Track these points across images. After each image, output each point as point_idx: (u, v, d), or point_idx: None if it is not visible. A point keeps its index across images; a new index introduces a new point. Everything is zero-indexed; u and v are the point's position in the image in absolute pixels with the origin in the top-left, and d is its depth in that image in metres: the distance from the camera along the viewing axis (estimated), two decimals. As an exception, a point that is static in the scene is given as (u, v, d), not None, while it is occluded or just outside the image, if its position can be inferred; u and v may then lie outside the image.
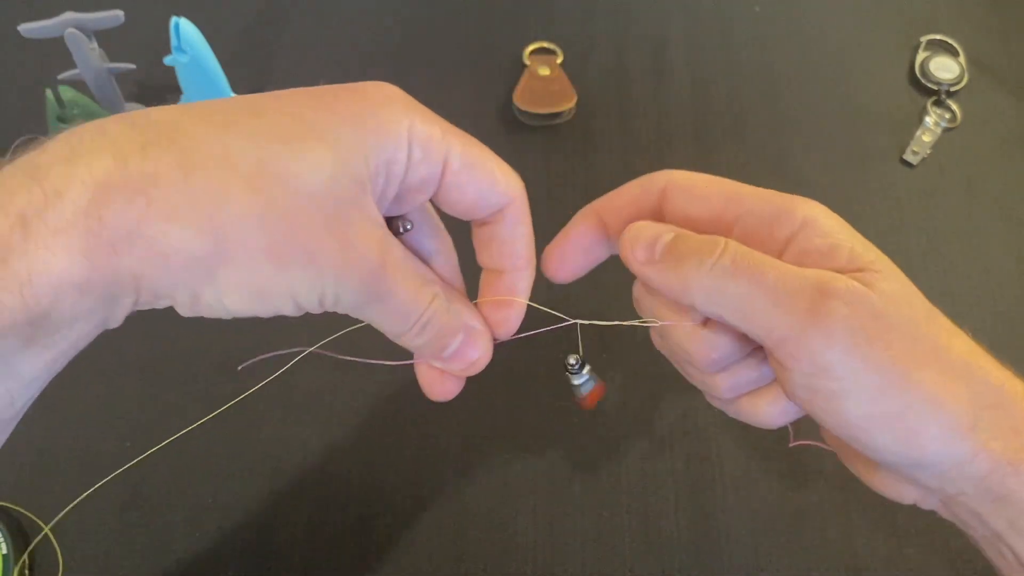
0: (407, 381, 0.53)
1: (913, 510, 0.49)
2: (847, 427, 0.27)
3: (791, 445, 0.32)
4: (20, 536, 0.47)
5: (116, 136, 0.20)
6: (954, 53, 0.68)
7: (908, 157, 0.63)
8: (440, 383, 0.31)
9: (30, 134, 0.64)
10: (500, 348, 0.53)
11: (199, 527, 0.48)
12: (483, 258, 0.30)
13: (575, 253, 0.32)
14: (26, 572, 0.46)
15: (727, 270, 0.26)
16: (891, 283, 0.27)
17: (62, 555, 0.47)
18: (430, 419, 0.52)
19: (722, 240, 0.27)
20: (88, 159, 0.20)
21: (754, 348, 0.29)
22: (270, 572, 0.47)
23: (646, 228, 0.28)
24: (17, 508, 0.48)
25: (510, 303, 0.29)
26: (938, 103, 0.65)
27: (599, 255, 0.32)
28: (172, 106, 0.23)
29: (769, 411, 0.30)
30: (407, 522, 0.48)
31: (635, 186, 0.31)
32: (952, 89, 0.66)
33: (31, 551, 0.47)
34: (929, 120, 0.64)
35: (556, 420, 0.52)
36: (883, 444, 0.26)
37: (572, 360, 0.34)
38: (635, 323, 0.31)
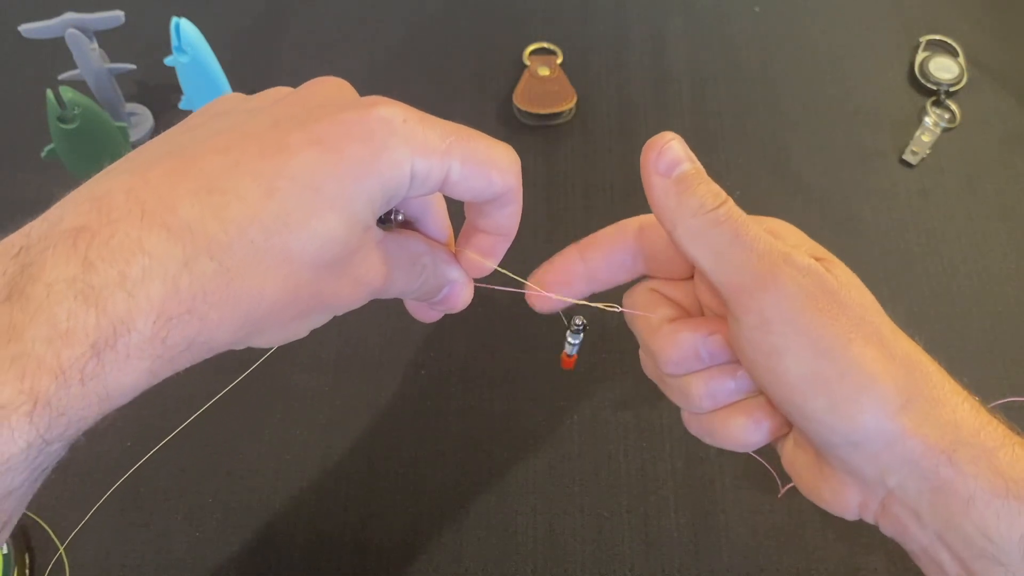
0: (407, 381, 0.53)
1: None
2: (786, 388, 0.28)
3: (780, 496, 0.33)
4: (21, 535, 0.47)
5: (159, 255, 0.21)
6: (953, 53, 0.68)
7: (907, 157, 0.63)
8: (425, 312, 0.34)
9: (31, 135, 0.64)
10: (500, 351, 0.54)
11: (199, 527, 0.48)
12: (471, 218, 0.31)
13: (557, 284, 0.34)
14: (27, 572, 0.46)
15: (717, 219, 0.29)
16: (847, 275, 0.29)
17: (64, 555, 0.47)
18: (430, 419, 0.52)
19: (724, 195, 0.29)
20: (144, 287, 0.21)
21: (717, 361, 0.32)
22: (270, 572, 0.47)
23: (674, 147, 0.29)
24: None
25: (487, 253, 0.31)
26: (937, 103, 0.65)
27: (578, 289, 0.34)
28: (185, 186, 0.23)
29: (742, 424, 0.32)
30: (407, 522, 0.49)
31: (612, 227, 0.34)
32: (951, 89, 0.66)
33: (32, 550, 0.47)
34: (928, 120, 0.64)
35: (556, 420, 0.52)
36: (817, 409, 0.28)
37: (578, 321, 0.37)
38: (601, 306, 0.34)
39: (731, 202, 0.29)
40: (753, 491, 0.49)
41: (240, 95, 0.28)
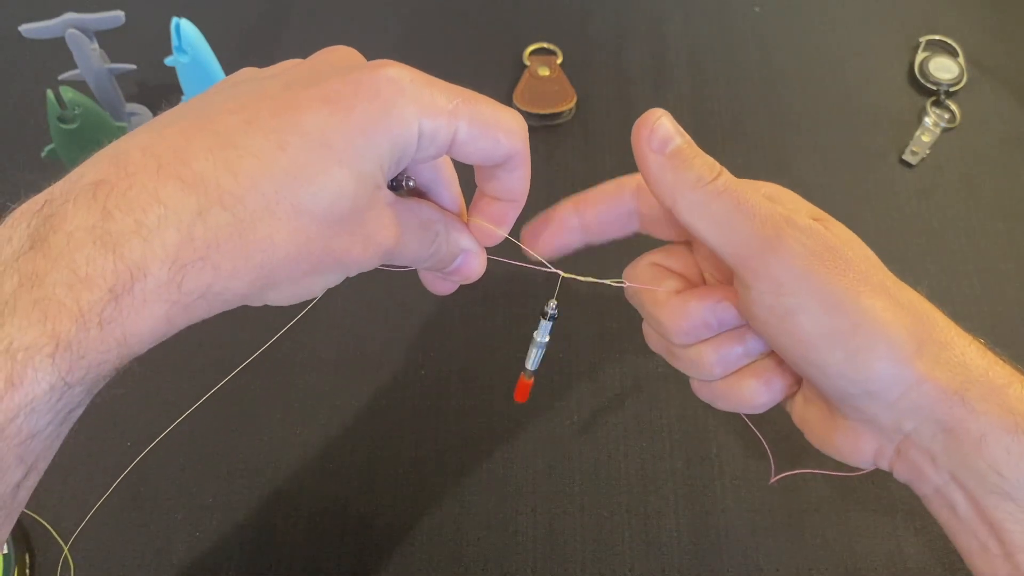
0: (407, 381, 0.53)
1: (911, 510, 0.49)
2: (801, 346, 0.29)
3: (772, 482, 0.34)
4: (22, 536, 0.47)
5: (174, 205, 0.22)
6: (953, 53, 0.68)
7: (907, 157, 0.63)
8: (440, 284, 0.34)
9: (31, 135, 0.64)
10: (500, 351, 0.54)
11: (199, 527, 0.48)
12: (481, 184, 0.32)
13: (551, 234, 0.35)
14: (27, 571, 0.46)
15: (716, 191, 0.29)
16: (846, 233, 0.31)
17: (69, 556, 0.47)
18: (430, 419, 0.52)
19: (719, 167, 0.30)
20: (160, 234, 0.22)
21: (726, 328, 0.32)
22: (270, 572, 0.47)
23: (665, 124, 0.30)
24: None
25: (497, 221, 0.32)
26: (937, 103, 0.65)
27: (572, 240, 0.35)
28: (199, 143, 0.23)
29: (754, 386, 0.32)
30: (407, 522, 0.49)
31: (610, 184, 0.35)
32: (951, 89, 0.66)
33: (32, 550, 0.47)
34: (928, 120, 0.64)
35: (555, 420, 0.52)
36: (834, 363, 0.28)
37: (552, 306, 0.35)
38: (611, 282, 0.34)
39: (727, 172, 0.30)
40: (753, 491, 0.49)
41: (254, 68, 0.29)
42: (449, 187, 0.32)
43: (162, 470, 0.50)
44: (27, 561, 0.46)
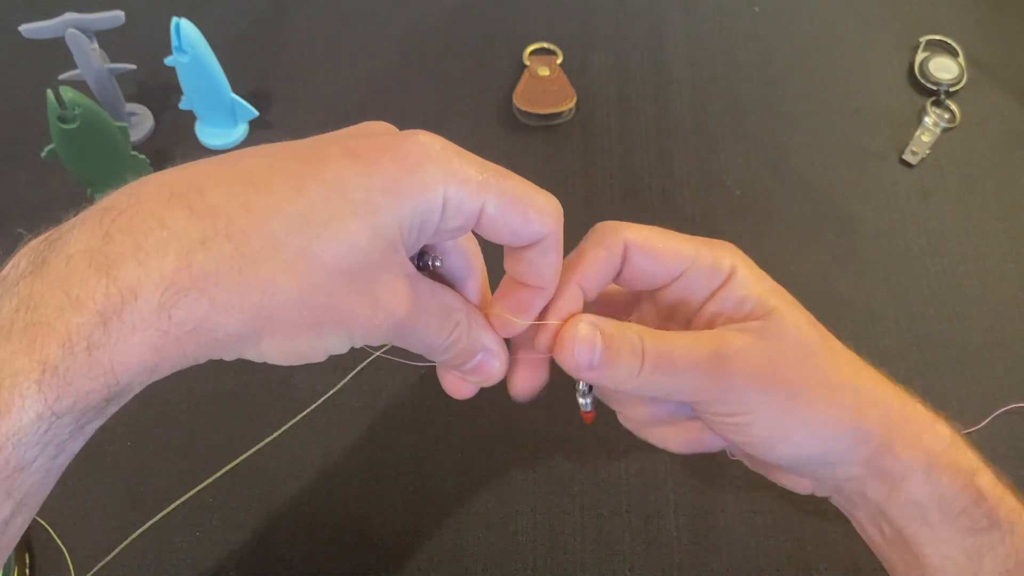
0: (407, 382, 0.53)
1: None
2: (754, 446, 0.32)
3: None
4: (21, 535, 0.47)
5: (177, 231, 0.22)
6: (953, 53, 0.68)
7: (907, 157, 0.63)
8: (458, 386, 0.33)
9: (31, 135, 0.64)
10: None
11: (199, 527, 0.48)
12: (509, 267, 0.31)
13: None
14: (27, 571, 0.46)
15: (650, 374, 0.30)
16: (787, 325, 0.31)
17: (68, 557, 0.47)
18: (430, 420, 0.52)
19: (640, 346, 0.30)
20: (157, 258, 0.22)
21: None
22: (270, 572, 0.47)
23: (582, 336, 0.30)
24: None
25: (522, 308, 0.31)
26: (937, 103, 0.65)
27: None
28: (219, 177, 0.24)
29: (677, 442, 0.36)
30: (407, 522, 0.49)
31: (600, 250, 0.32)
32: (951, 89, 0.66)
33: (32, 550, 0.47)
34: (928, 120, 0.64)
35: (556, 421, 0.52)
36: (783, 454, 0.32)
37: (582, 385, 0.35)
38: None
39: (650, 348, 0.30)
40: (753, 491, 0.49)
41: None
42: (478, 281, 0.31)
43: (162, 470, 0.50)
44: (27, 561, 0.46)
